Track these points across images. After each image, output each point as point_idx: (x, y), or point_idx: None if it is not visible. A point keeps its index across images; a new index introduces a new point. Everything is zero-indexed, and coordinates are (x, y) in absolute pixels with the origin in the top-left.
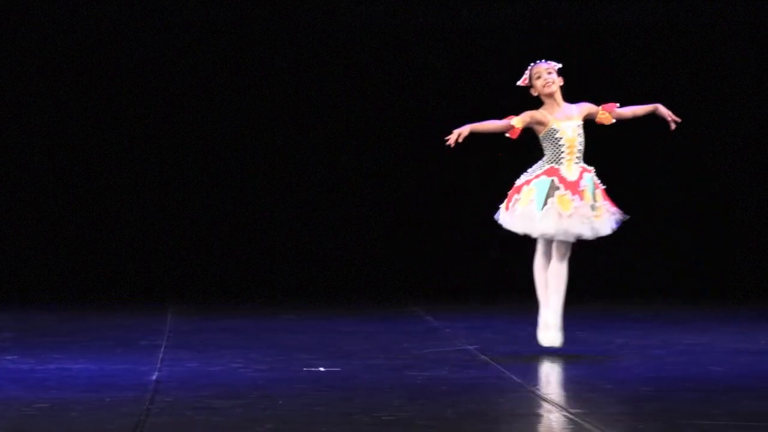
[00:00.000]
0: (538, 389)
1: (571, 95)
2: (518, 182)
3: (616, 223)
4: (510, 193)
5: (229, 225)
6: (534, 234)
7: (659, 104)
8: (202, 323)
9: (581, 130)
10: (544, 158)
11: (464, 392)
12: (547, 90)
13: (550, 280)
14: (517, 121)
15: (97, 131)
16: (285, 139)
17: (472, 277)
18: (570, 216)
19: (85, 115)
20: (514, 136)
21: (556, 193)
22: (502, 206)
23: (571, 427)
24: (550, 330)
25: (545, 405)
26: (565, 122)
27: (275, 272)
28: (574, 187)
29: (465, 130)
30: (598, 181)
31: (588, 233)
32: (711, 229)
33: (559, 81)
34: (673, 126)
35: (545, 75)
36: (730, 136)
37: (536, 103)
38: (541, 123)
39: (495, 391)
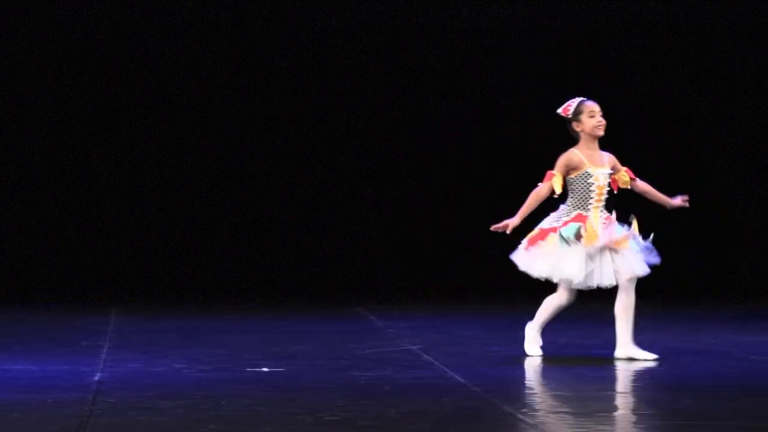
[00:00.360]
0: (480, 389)
1: (571, 95)
2: (544, 225)
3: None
4: (534, 236)
5: (228, 225)
6: (560, 277)
7: (672, 201)
8: (145, 324)
9: (608, 179)
10: (570, 202)
11: (408, 392)
12: (598, 132)
13: (620, 311)
14: (558, 179)
15: (96, 131)
16: (285, 139)
17: (472, 277)
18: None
19: (84, 115)
20: (560, 192)
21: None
22: (522, 246)
23: (512, 426)
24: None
25: (488, 404)
26: (599, 168)
27: (275, 272)
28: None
29: (515, 221)
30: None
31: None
32: (711, 229)
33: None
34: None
35: (599, 116)
36: (730, 136)
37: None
38: (576, 168)
39: (438, 390)
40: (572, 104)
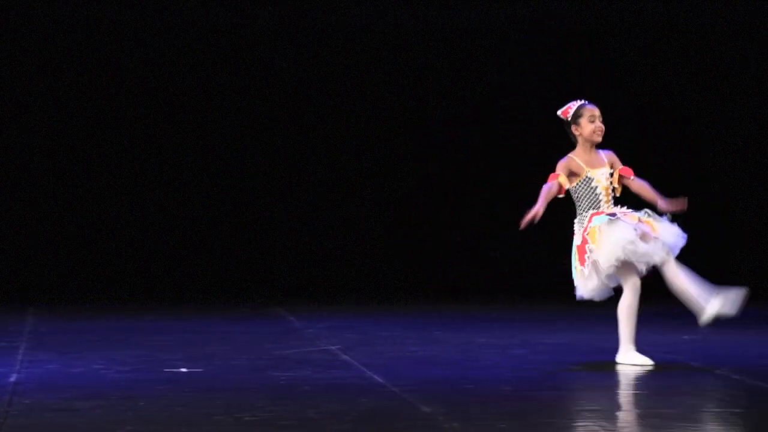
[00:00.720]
0: (399, 389)
1: (570, 95)
2: (578, 241)
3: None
4: (579, 257)
5: (228, 225)
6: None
7: (662, 202)
8: (62, 325)
9: (611, 177)
10: (581, 208)
11: (326, 392)
12: (596, 138)
13: (680, 285)
14: (563, 179)
15: (96, 132)
16: (285, 139)
17: (473, 277)
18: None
19: (84, 115)
20: (565, 190)
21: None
22: (579, 273)
23: (432, 426)
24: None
25: (407, 405)
26: (599, 170)
27: (274, 272)
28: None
29: (538, 211)
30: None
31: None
32: (711, 228)
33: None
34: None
35: (599, 121)
36: (730, 136)
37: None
38: (576, 173)
39: (357, 391)
40: (572, 107)
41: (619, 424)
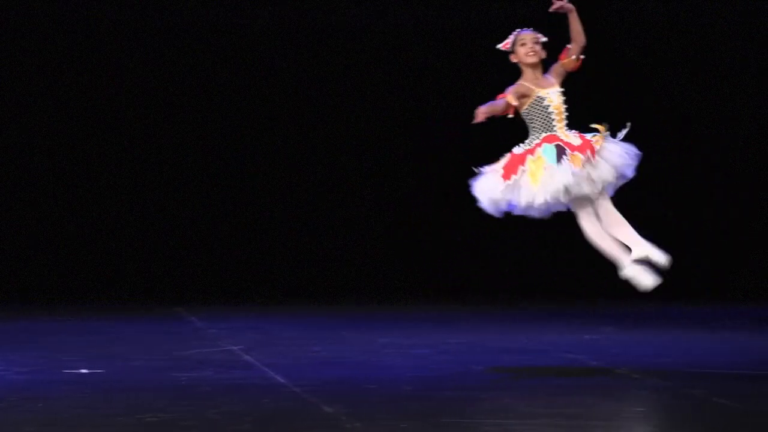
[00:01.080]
0: (301, 389)
1: (570, 94)
2: (517, 150)
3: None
4: (507, 165)
5: (227, 225)
6: (566, 192)
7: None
8: None
9: (563, 96)
10: (534, 129)
11: (228, 393)
12: (529, 60)
13: (614, 225)
14: (512, 98)
15: (93, 131)
16: (285, 139)
17: (472, 277)
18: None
19: (83, 115)
20: (513, 113)
21: (567, 154)
22: (495, 176)
23: (334, 426)
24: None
25: (309, 405)
26: (550, 89)
27: (275, 272)
28: (582, 148)
29: (485, 109)
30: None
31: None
32: (709, 228)
33: (543, 53)
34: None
35: (530, 43)
36: (730, 135)
37: (514, 73)
38: (525, 95)
39: (259, 391)
40: (510, 38)
41: (520, 424)
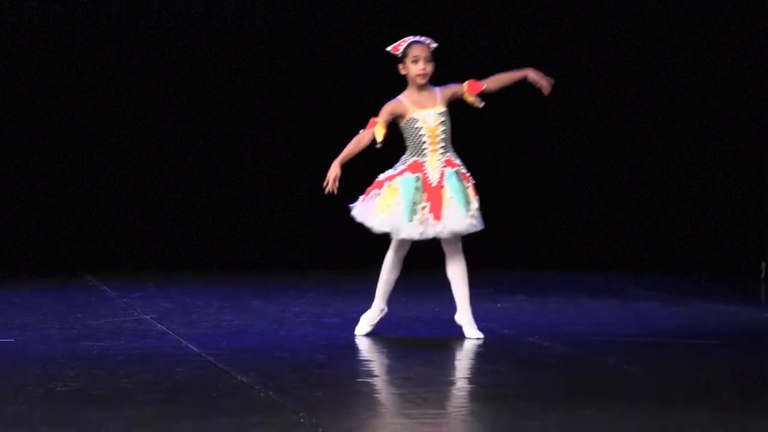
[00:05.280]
0: (214, 358)
1: (570, 94)
2: (381, 177)
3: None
4: (369, 188)
5: (134, 191)
6: (399, 236)
7: (530, 70)
8: None
9: (444, 118)
10: (407, 151)
11: (141, 362)
12: (420, 81)
13: (457, 279)
14: (380, 127)
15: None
16: (284, 140)
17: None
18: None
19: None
20: (382, 141)
21: (420, 201)
22: (360, 199)
23: (248, 395)
24: (468, 328)
25: (223, 374)
26: (427, 110)
27: (185, 240)
28: (435, 195)
29: (335, 168)
30: (468, 174)
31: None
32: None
33: (431, 69)
34: (546, 91)
35: (423, 62)
36: (729, 135)
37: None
38: (401, 115)
39: (172, 360)
40: (403, 43)
41: (432, 392)
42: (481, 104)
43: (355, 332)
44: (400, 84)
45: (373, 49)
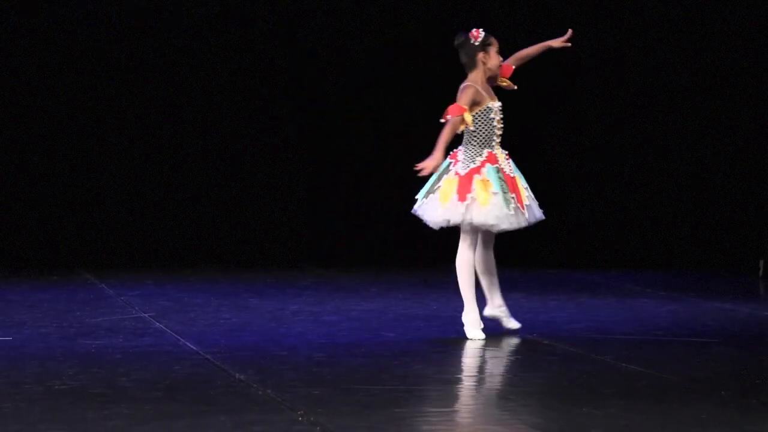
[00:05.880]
0: (212, 356)
1: (570, 94)
2: (461, 171)
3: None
4: (459, 189)
5: (134, 190)
6: (501, 227)
7: (549, 41)
8: None
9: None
10: (475, 140)
11: (139, 360)
12: (498, 72)
13: (493, 272)
14: (468, 114)
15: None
16: (285, 140)
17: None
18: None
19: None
20: (469, 125)
21: (508, 191)
22: (454, 198)
23: (246, 393)
24: (506, 319)
25: (221, 372)
26: (495, 102)
27: (183, 238)
28: (513, 185)
29: (440, 159)
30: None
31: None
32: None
33: None
34: (569, 42)
35: (497, 53)
36: (729, 135)
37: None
38: (477, 103)
39: (170, 358)
40: (481, 31)
41: (432, 390)
42: (515, 87)
43: (471, 336)
44: (400, 84)
45: (373, 49)
